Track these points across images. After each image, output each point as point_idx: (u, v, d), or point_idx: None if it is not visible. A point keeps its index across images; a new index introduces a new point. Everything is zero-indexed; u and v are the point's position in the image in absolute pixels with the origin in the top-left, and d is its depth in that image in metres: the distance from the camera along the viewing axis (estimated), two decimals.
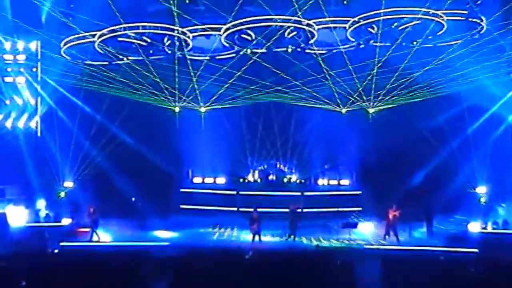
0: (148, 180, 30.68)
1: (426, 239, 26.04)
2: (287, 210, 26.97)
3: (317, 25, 27.79)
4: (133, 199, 30.19)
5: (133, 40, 28.35)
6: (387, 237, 25.85)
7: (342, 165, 32.02)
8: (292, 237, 26.15)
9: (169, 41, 28.51)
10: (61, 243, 24.49)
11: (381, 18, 26.69)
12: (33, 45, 30.42)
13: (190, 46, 28.72)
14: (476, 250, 23.76)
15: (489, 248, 22.65)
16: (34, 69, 30.74)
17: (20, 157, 30.15)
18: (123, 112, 30.65)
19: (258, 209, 26.48)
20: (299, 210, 27.22)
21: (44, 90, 30.73)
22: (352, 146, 30.71)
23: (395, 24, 27.24)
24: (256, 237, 25.84)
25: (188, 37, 28.17)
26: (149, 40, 28.30)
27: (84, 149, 30.62)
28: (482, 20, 27.27)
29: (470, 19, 27.24)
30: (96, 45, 28.38)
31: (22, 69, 30.53)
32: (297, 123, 31.41)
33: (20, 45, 30.22)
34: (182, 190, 30.97)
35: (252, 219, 26.08)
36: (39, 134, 31.03)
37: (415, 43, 28.63)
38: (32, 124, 30.85)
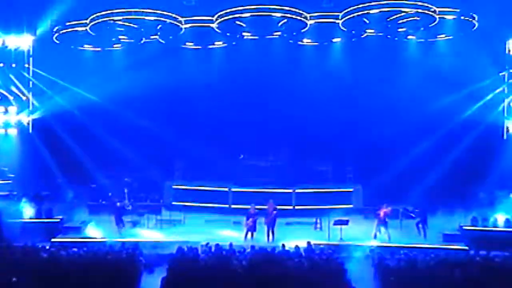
0: (140, 176, 30.79)
1: (420, 237, 26.04)
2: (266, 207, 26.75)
3: (310, 19, 27.90)
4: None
5: (121, 28, 28.37)
6: (378, 234, 25.87)
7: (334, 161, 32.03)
8: (271, 235, 25.94)
9: (161, 27, 28.59)
10: (52, 239, 24.51)
11: (372, 11, 26.75)
12: (25, 41, 30.35)
13: (183, 31, 28.66)
14: (467, 247, 23.97)
15: (480, 246, 22.68)
16: (26, 65, 30.69)
17: (12, 153, 30.16)
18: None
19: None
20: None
21: (36, 85, 30.72)
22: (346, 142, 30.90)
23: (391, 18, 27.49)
24: (249, 235, 25.76)
25: (180, 22, 28.09)
26: (136, 26, 28.28)
27: (78, 143, 30.64)
28: (474, 18, 27.43)
29: (462, 17, 27.37)
30: (88, 28, 28.17)
31: (14, 65, 30.47)
32: (291, 116, 31.38)
33: (12, 40, 30.13)
34: (174, 186, 30.94)
35: (249, 215, 25.98)
36: (30, 130, 31.01)
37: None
38: (24, 120, 30.81)
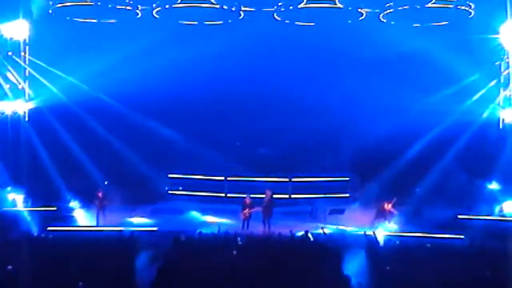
0: (135, 166, 30.75)
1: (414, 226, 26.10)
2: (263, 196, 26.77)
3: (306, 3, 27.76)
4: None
5: None
6: (376, 225, 25.90)
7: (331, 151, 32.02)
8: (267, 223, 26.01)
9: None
10: (48, 228, 24.52)
11: None
12: (21, 27, 30.18)
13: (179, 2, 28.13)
14: (462, 236, 24.03)
15: (476, 235, 22.76)
16: (23, 53, 30.56)
17: (7, 141, 30.08)
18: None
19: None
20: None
21: (33, 75, 30.61)
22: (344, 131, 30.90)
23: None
24: (245, 223, 25.82)
25: None
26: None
27: (72, 135, 30.56)
28: (470, 7, 27.35)
29: (458, 7, 27.30)
30: None
31: (10, 53, 30.33)
32: (290, 107, 31.36)
33: (7, 28, 29.97)
34: (170, 175, 30.94)
35: (245, 205, 26.02)
36: (27, 118, 30.90)
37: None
38: (20, 109, 30.69)
